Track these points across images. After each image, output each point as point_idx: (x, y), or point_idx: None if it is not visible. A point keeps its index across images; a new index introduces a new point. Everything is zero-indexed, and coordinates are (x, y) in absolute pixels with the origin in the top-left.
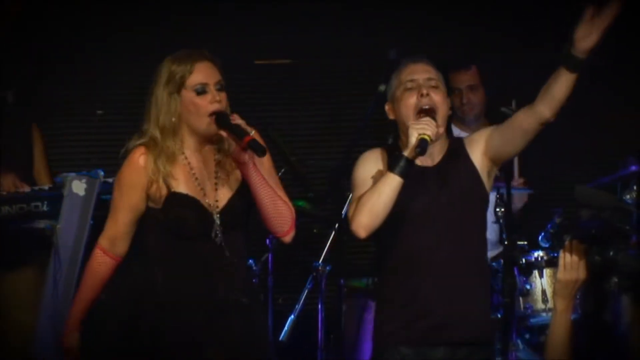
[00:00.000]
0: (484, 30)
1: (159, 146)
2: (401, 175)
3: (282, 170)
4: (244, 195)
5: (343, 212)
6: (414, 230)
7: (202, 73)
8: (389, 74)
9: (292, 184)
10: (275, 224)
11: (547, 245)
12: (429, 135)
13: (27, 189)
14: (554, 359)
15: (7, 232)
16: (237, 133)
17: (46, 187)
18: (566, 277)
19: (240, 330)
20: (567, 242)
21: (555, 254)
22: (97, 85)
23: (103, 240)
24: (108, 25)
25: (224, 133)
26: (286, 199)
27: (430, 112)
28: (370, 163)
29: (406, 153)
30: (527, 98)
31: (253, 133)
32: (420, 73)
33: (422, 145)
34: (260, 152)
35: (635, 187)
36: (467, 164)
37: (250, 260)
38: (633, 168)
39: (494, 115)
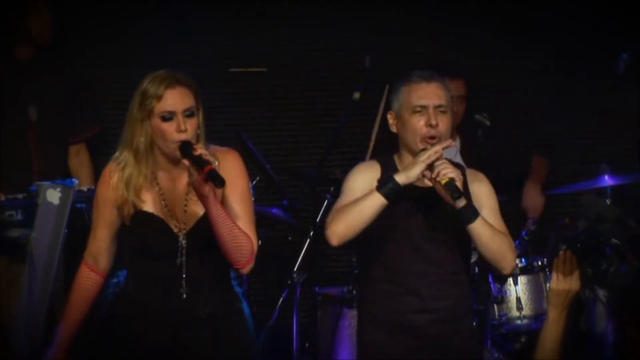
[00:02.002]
0: (464, 39)
1: (130, 167)
2: (387, 197)
3: (257, 178)
4: None
5: (318, 220)
6: (400, 246)
7: (171, 101)
8: (364, 81)
9: (266, 192)
10: (234, 257)
11: (521, 253)
12: (452, 177)
13: (2, 197)
14: None
15: None
16: (199, 163)
17: (20, 196)
18: (559, 287)
19: (210, 347)
20: (561, 252)
21: (530, 261)
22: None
23: (87, 257)
24: (80, 38)
25: (186, 162)
26: (250, 230)
27: (435, 140)
28: (362, 175)
29: (398, 177)
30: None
31: (216, 164)
32: (431, 98)
33: (453, 189)
34: (219, 183)
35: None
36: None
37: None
38: (605, 178)
39: (467, 123)
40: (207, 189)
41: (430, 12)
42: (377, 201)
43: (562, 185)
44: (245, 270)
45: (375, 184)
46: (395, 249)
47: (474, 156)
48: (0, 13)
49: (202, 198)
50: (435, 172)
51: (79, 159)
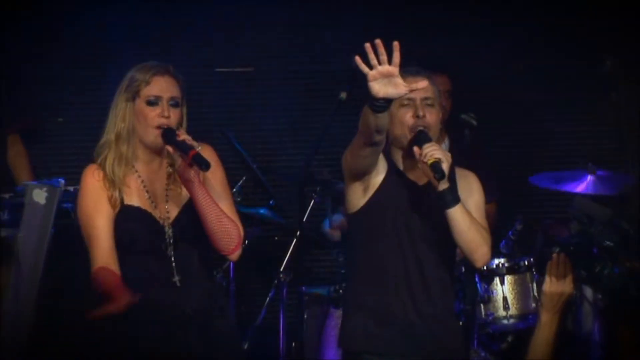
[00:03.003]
0: (450, 41)
1: (112, 152)
2: (374, 110)
3: (244, 178)
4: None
5: (304, 219)
6: (387, 245)
7: (158, 86)
8: (350, 81)
9: (253, 192)
10: (221, 243)
11: (508, 252)
12: (438, 158)
13: None
14: None
15: None
16: (183, 148)
17: (7, 196)
18: (552, 289)
19: (196, 340)
20: (554, 255)
21: (517, 260)
22: (57, 94)
23: (100, 260)
24: (66, 35)
25: (170, 148)
26: (235, 217)
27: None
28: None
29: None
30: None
31: (200, 148)
32: (418, 91)
33: (437, 169)
34: (204, 166)
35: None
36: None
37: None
38: (589, 178)
39: (453, 121)
40: (192, 173)
41: (415, 10)
42: (370, 115)
43: (549, 183)
44: (233, 257)
45: (382, 176)
46: (382, 247)
47: (461, 156)
48: None
49: (187, 183)
50: (424, 152)
51: (14, 149)
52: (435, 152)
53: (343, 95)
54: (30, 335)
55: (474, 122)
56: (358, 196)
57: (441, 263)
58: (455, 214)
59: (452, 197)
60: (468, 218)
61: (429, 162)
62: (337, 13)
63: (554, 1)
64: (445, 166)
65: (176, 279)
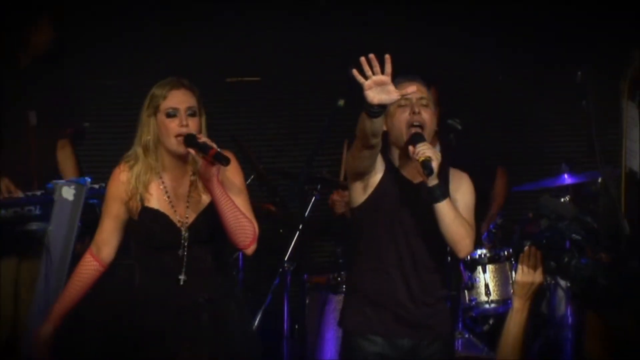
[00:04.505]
0: (442, 50)
1: (140, 162)
2: (370, 115)
3: (252, 177)
4: (214, 213)
5: (306, 214)
6: (383, 237)
7: (175, 99)
8: (347, 89)
9: (259, 190)
10: (237, 238)
11: (489, 244)
12: (428, 156)
13: (20, 194)
14: (507, 354)
15: (1, 233)
16: (203, 149)
17: (38, 193)
18: (523, 279)
19: (209, 331)
20: (526, 248)
21: (498, 251)
22: (85, 100)
23: (92, 245)
24: (78, 50)
25: (192, 151)
26: (251, 215)
27: (419, 128)
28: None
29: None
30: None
31: (219, 149)
32: (414, 92)
33: (427, 166)
34: (225, 161)
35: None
36: (445, 187)
37: None
38: (565, 177)
39: (441, 127)
40: (213, 171)
41: (410, 25)
42: (367, 120)
43: (528, 183)
44: (249, 251)
45: (379, 176)
46: (378, 239)
47: (449, 159)
48: (3, 24)
49: (208, 182)
50: (417, 150)
51: (64, 152)
52: (426, 150)
53: (341, 102)
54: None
55: (459, 127)
56: (359, 193)
57: (432, 253)
58: (443, 208)
59: (440, 192)
60: (453, 213)
61: (420, 159)
62: (334, 28)
63: (535, 16)
64: (434, 164)
65: (182, 277)
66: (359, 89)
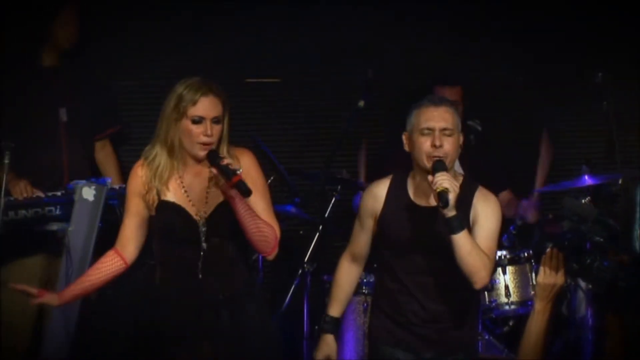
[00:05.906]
0: (463, 52)
1: (160, 159)
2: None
3: (272, 178)
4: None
5: (326, 215)
6: (404, 259)
7: (203, 107)
8: (367, 90)
9: (280, 190)
10: (259, 247)
11: (509, 245)
12: (446, 188)
13: (40, 194)
14: (528, 356)
15: (22, 233)
16: (226, 173)
17: (59, 193)
18: (545, 281)
19: (226, 322)
20: (548, 250)
21: (518, 252)
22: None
23: (117, 243)
24: (101, 48)
25: (214, 170)
26: (272, 220)
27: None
28: (367, 198)
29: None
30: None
31: (241, 172)
32: (437, 121)
33: (443, 198)
34: (246, 193)
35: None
36: (466, 214)
37: None
38: (585, 178)
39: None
40: (233, 193)
41: (430, 25)
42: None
43: (548, 184)
44: (271, 257)
45: (379, 205)
46: (399, 262)
47: (467, 159)
48: (28, 21)
49: (230, 199)
50: (435, 180)
51: (104, 152)
52: (444, 182)
53: (361, 103)
54: (78, 320)
55: (479, 128)
56: (373, 225)
57: (453, 275)
58: (459, 240)
59: (457, 223)
60: (470, 244)
61: (437, 190)
62: (354, 29)
63: (554, 20)
64: (451, 196)
65: (199, 271)
66: (378, 90)
